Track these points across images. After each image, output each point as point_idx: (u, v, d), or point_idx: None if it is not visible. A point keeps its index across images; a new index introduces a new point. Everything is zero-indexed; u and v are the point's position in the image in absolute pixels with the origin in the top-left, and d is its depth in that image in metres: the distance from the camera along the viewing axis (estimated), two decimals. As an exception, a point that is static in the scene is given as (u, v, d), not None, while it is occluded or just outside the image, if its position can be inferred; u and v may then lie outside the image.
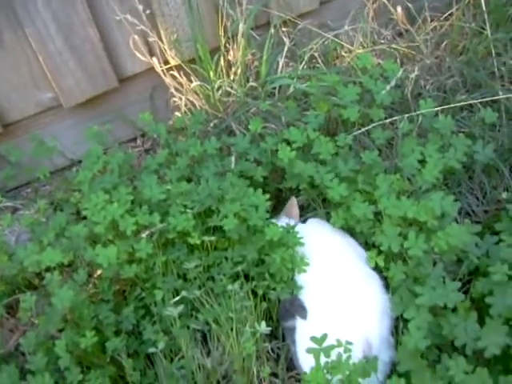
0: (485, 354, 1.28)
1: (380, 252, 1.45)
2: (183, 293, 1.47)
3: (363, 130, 1.73)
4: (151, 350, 1.45)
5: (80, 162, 1.85)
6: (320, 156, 1.65)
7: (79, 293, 1.50)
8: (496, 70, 1.90)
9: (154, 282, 1.55)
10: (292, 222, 1.61)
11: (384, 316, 1.47)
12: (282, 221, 1.63)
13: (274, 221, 1.60)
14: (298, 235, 1.53)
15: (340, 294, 1.48)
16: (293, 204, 1.72)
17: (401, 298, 1.44)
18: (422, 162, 1.59)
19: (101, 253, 1.48)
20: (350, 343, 1.32)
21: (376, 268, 1.52)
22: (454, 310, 1.37)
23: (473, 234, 1.51)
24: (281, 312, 1.55)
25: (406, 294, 1.44)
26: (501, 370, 1.31)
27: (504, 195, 1.72)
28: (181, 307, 1.44)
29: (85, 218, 1.59)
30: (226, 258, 1.55)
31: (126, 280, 1.58)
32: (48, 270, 1.53)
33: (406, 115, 1.72)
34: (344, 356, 1.30)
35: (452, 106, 1.75)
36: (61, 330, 1.49)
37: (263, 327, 1.42)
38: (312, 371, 1.28)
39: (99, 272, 1.58)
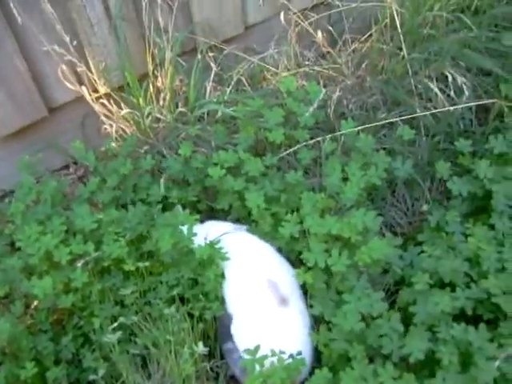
0: (410, 359, 1.36)
1: (308, 269, 1.51)
2: (121, 319, 1.49)
3: (289, 151, 1.79)
4: (92, 377, 1.47)
5: (12, 192, 1.85)
6: (249, 174, 1.71)
7: (17, 324, 1.50)
8: (413, 88, 2.00)
9: (91, 310, 1.56)
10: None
11: (283, 265, 1.59)
12: None
13: None
14: (223, 250, 1.58)
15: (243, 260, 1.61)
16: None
17: (322, 306, 1.51)
18: (346, 179, 1.67)
19: (36, 284, 1.49)
20: (283, 352, 1.39)
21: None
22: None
23: (395, 246, 1.59)
24: (219, 335, 1.60)
25: (328, 303, 1.51)
26: (426, 375, 1.38)
27: (425, 207, 1.82)
28: (119, 333, 1.46)
29: (19, 249, 1.59)
30: (161, 282, 1.58)
31: (64, 309, 1.59)
32: (-16, 303, 1.53)
33: (329, 135, 1.80)
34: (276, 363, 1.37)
35: (372, 125, 1.83)
36: (-1, 363, 1.49)
37: (201, 348, 1.46)
38: (249, 380, 1.34)
39: (36, 303, 1.59)
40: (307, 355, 1.47)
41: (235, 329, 1.54)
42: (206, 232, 1.64)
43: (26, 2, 1.76)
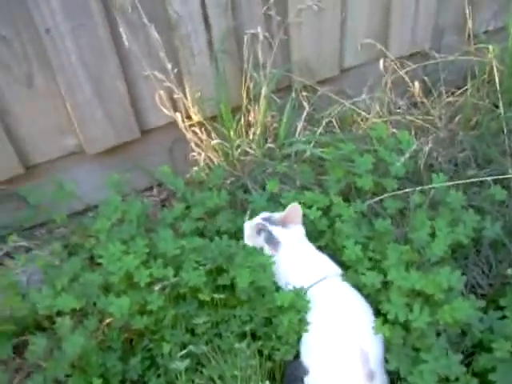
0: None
1: (386, 321, 1.47)
2: (190, 347, 1.49)
3: (377, 199, 1.77)
4: (155, 401, 1.46)
5: (96, 206, 1.89)
6: (341, 218, 1.70)
7: (89, 339, 1.52)
8: (507, 147, 1.95)
9: (162, 335, 1.56)
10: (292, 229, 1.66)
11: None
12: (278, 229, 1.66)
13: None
14: (307, 298, 1.54)
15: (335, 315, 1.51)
16: (296, 209, 1.68)
17: (398, 361, 1.45)
18: (432, 234, 1.63)
19: (114, 302, 1.50)
20: None
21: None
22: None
23: (477, 308, 1.54)
24: (286, 378, 1.54)
25: (404, 359, 1.45)
26: None
27: (509, 271, 1.75)
28: (187, 361, 1.46)
29: (98, 264, 1.62)
30: (235, 316, 1.57)
31: (135, 330, 1.59)
32: (59, 313, 1.54)
33: (419, 188, 1.77)
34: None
35: (464, 181, 1.79)
36: (67, 375, 1.50)
37: (267, 387, 1.44)
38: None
39: (109, 320, 1.61)
40: None
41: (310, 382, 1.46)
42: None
43: (133, 27, 1.83)
